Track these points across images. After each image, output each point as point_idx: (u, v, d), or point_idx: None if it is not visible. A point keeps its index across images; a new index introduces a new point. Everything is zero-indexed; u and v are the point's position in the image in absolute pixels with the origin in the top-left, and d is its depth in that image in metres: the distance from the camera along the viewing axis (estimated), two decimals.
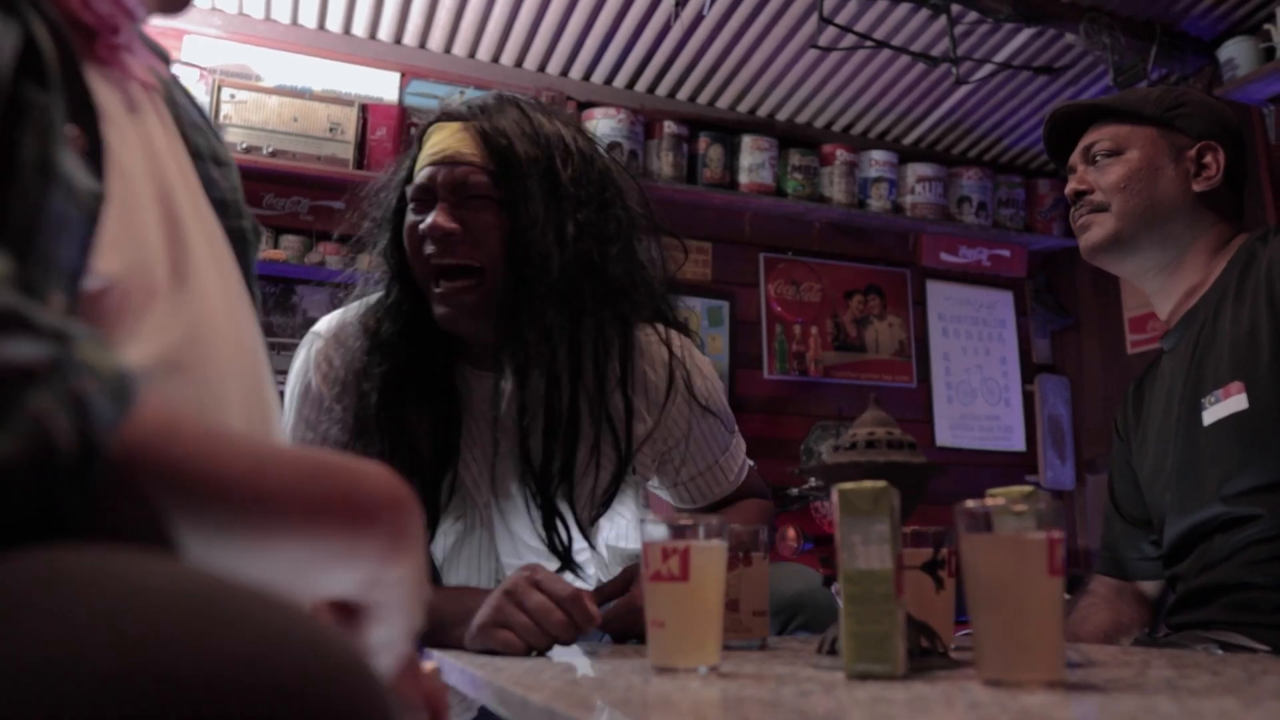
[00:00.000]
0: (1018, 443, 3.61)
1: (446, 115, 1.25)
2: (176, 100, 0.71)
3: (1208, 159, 1.31)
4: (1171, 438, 1.27)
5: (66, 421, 0.35)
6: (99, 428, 0.37)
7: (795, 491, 2.57)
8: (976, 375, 3.62)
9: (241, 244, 0.73)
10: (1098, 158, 1.35)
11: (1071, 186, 1.36)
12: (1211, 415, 1.19)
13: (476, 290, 1.19)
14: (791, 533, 2.60)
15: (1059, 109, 1.41)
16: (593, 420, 1.23)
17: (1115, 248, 1.32)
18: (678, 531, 0.83)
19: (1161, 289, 1.35)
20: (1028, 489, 0.83)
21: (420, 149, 1.24)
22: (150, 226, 0.58)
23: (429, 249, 1.18)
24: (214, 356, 0.60)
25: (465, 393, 1.26)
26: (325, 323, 1.31)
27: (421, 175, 1.21)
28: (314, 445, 1.21)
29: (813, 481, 2.58)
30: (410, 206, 1.22)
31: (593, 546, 1.31)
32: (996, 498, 0.83)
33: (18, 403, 0.34)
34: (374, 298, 1.29)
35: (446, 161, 1.19)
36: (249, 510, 0.41)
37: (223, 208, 0.71)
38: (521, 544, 1.30)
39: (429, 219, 1.18)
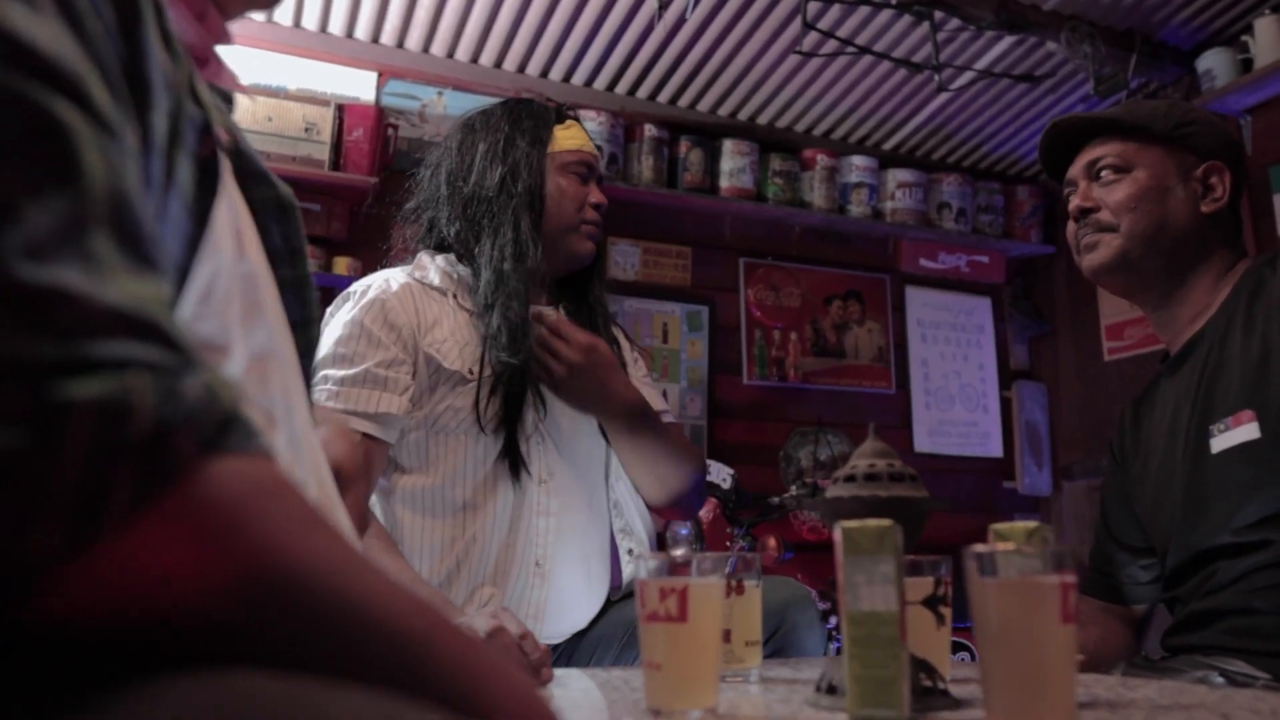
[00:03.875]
0: (995, 449, 3.62)
1: (573, 116, 1.60)
2: (242, 150, 0.69)
3: (1214, 180, 1.29)
4: (1177, 465, 1.25)
5: (153, 405, 0.33)
6: (184, 436, 0.33)
7: (776, 500, 2.55)
8: (955, 381, 3.62)
9: (300, 288, 0.72)
10: (1103, 174, 1.31)
11: (1075, 203, 1.32)
12: (1221, 443, 1.17)
13: None
14: (772, 542, 2.58)
15: (1061, 121, 1.36)
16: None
17: (1121, 269, 1.29)
18: (675, 567, 0.81)
19: (1165, 312, 1.32)
20: (1033, 525, 0.81)
21: (548, 134, 1.54)
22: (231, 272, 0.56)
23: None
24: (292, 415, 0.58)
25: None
26: (378, 280, 1.47)
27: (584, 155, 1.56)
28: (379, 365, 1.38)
29: (793, 490, 2.56)
30: (570, 178, 1.54)
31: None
32: (1003, 536, 0.81)
33: (117, 373, 0.32)
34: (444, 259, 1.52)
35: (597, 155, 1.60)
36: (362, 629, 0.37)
37: (289, 257, 0.70)
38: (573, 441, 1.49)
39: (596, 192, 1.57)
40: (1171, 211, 1.27)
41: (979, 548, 0.68)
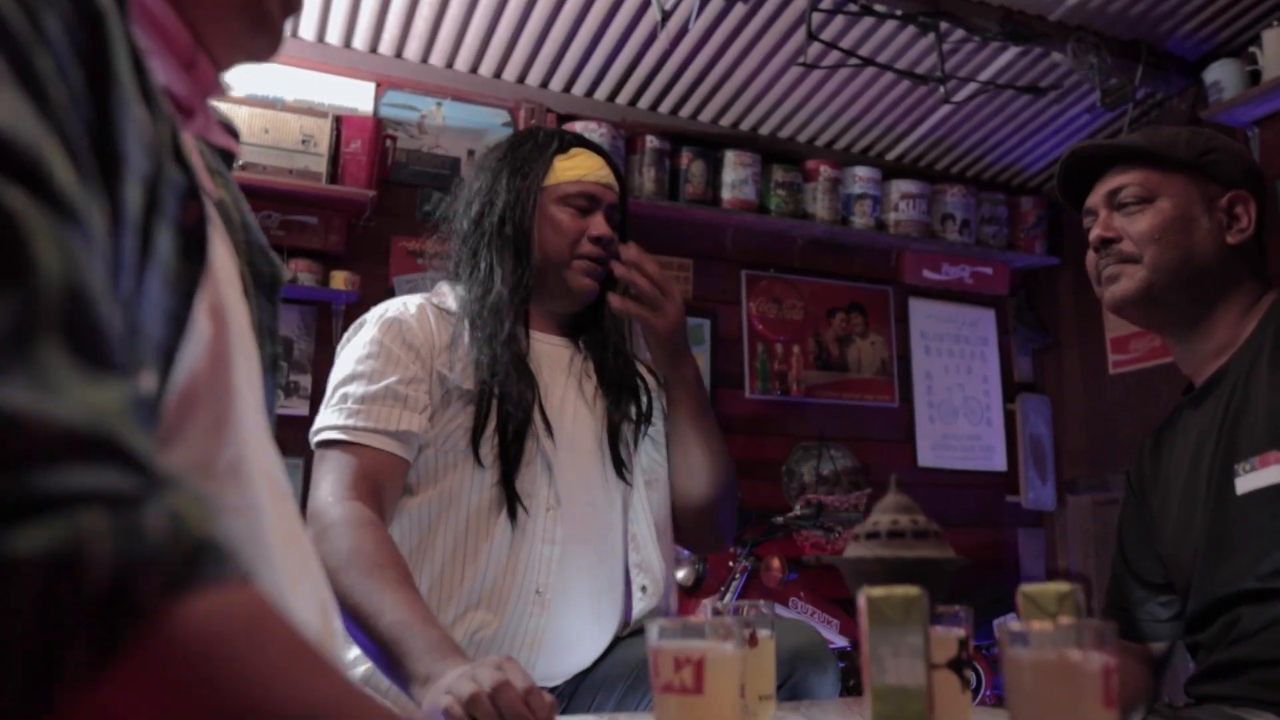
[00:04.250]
0: (999, 463, 3.58)
1: (584, 143, 1.56)
2: (248, 224, 0.65)
3: (1239, 210, 1.25)
4: (1200, 503, 1.21)
5: (110, 550, 0.29)
6: (146, 579, 0.30)
7: (780, 520, 2.52)
8: (958, 394, 3.59)
9: (275, 370, 0.69)
10: (1125, 203, 1.27)
11: (1097, 233, 1.28)
12: (1246, 484, 1.13)
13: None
14: (776, 563, 2.54)
15: (1080, 148, 1.32)
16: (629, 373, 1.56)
17: (1146, 302, 1.25)
18: (690, 633, 0.77)
19: (1188, 345, 1.28)
20: (1065, 589, 0.77)
21: (544, 166, 1.50)
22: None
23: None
24: (260, 512, 0.54)
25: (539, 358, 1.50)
26: (394, 305, 1.48)
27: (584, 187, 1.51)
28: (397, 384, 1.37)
29: (798, 510, 2.53)
30: (567, 211, 1.50)
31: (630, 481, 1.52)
32: (1034, 600, 0.78)
33: (69, 513, 0.29)
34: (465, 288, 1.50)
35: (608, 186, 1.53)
36: None
37: (270, 335, 0.68)
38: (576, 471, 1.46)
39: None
40: (1197, 243, 1.23)
41: (1014, 625, 0.65)
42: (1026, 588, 0.79)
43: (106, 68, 0.41)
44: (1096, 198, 1.30)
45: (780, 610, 2.59)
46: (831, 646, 2.63)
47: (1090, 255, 1.31)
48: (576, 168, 1.51)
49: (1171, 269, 1.23)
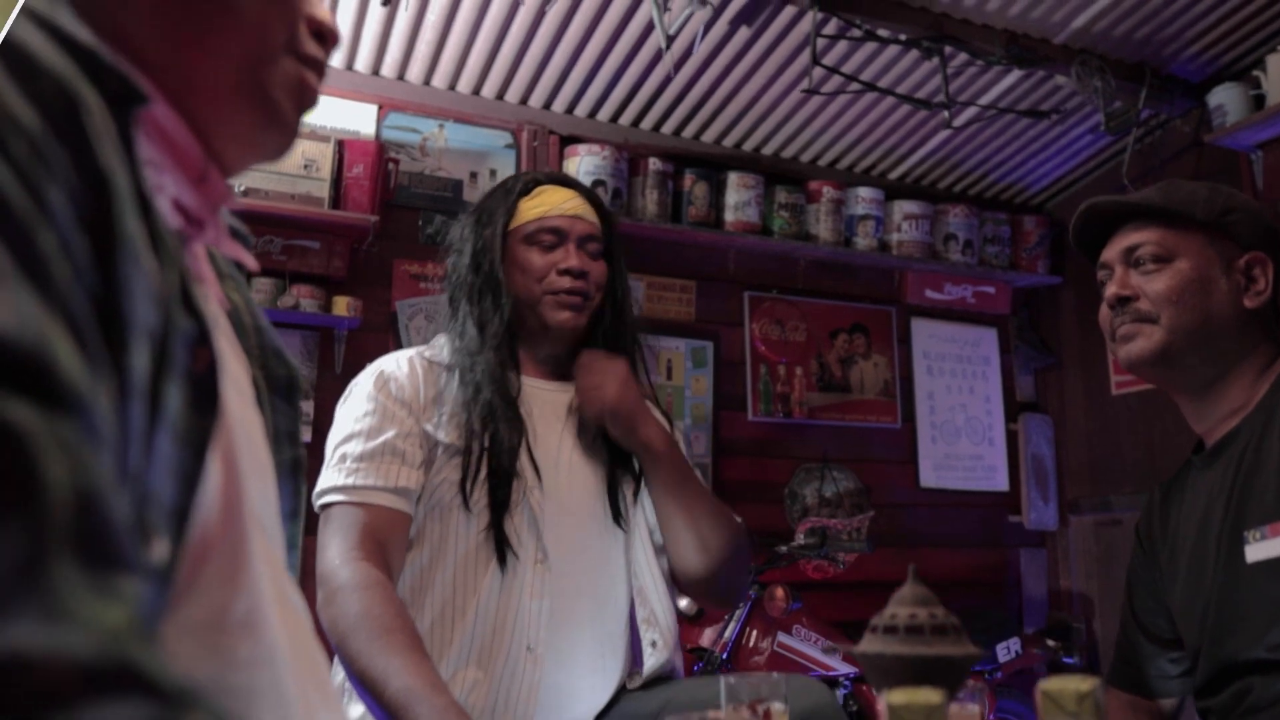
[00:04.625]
0: (1001, 483, 3.58)
1: (554, 179, 1.56)
2: (261, 327, 0.64)
3: (1256, 271, 1.24)
4: (1209, 567, 1.20)
5: None
6: None
7: (784, 549, 2.51)
8: (960, 414, 3.58)
9: (296, 473, 0.68)
10: (1142, 261, 1.26)
11: (1113, 290, 1.27)
12: (1256, 552, 1.13)
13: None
14: (780, 593, 2.54)
15: (1097, 205, 1.31)
16: None
17: (1161, 363, 1.23)
18: None
19: (1201, 405, 1.27)
20: (1085, 686, 0.76)
21: (507, 210, 1.50)
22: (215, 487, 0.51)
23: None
24: (269, 657, 0.53)
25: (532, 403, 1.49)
26: (390, 360, 1.49)
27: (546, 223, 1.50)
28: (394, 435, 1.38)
29: (801, 538, 2.52)
30: (533, 248, 1.49)
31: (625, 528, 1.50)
32: (1054, 699, 0.77)
33: None
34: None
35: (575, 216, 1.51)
36: None
37: (289, 439, 0.67)
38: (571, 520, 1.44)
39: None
40: (1214, 305, 1.22)
41: None
42: (1045, 685, 0.78)
43: (112, 231, 0.40)
44: (1113, 253, 1.29)
45: (784, 638, 2.59)
46: (835, 674, 2.64)
47: (1104, 311, 1.30)
48: (540, 205, 1.50)
49: (1189, 331, 1.22)
